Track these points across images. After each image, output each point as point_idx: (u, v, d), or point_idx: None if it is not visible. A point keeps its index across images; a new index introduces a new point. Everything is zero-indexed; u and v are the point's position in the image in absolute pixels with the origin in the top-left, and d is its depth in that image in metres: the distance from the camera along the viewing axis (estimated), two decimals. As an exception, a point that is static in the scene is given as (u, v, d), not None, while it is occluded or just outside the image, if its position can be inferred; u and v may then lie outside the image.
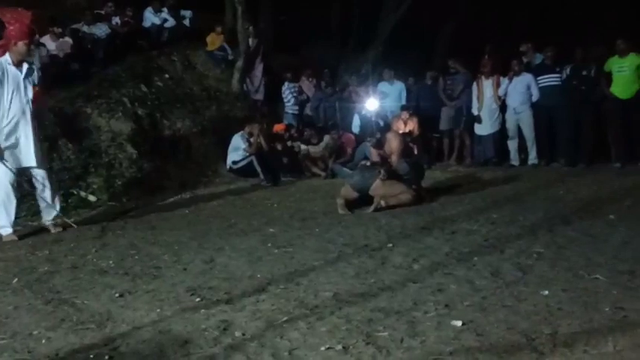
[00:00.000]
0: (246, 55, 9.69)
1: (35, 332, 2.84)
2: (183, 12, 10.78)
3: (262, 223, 5.32)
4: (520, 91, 8.09)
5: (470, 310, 2.83)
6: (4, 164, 4.99)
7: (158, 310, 3.06)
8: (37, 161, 5.12)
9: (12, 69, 5.02)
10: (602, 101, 7.70)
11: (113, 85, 8.44)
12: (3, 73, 4.96)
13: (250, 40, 9.87)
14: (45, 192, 5.25)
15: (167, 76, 9.46)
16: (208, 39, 10.38)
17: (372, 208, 5.65)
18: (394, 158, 5.92)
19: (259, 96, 10.03)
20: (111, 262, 4.12)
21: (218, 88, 9.79)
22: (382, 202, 5.67)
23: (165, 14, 10.33)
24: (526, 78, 8.11)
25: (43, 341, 2.73)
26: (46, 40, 8.47)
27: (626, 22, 11.30)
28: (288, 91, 9.87)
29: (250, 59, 9.87)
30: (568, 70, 7.91)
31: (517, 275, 3.36)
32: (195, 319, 2.90)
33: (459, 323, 2.66)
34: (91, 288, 3.53)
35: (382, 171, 5.68)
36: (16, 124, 5.03)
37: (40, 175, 5.23)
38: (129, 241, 4.79)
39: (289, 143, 8.84)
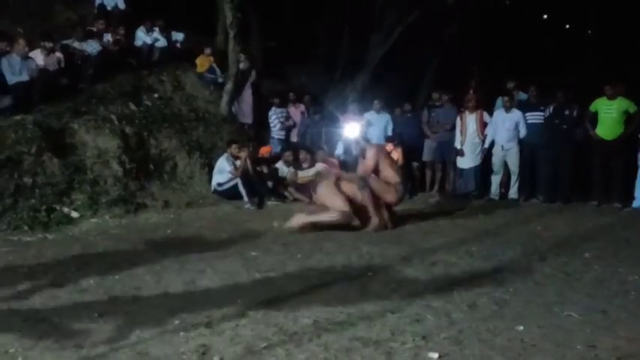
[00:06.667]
0: (236, 79, 9.79)
1: (12, 350, 2.82)
2: (175, 35, 10.86)
3: (245, 246, 5.33)
4: (509, 128, 8.23)
5: (446, 343, 2.89)
6: None
7: (137, 332, 3.06)
8: None
9: None
10: (583, 140, 7.89)
11: (101, 102, 8.44)
12: None
13: (241, 64, 9.98)
14: None
15: (156, 95, 9.48)
16: (198, 61, 10.46)
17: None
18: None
19: (248, 119, 10.10)
20: (91, 281, 4.10)
21: (206, 109, 9.83)
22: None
23: (156, 34, 10.40)
24: (515, 115, 8.27)
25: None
26: (36, 54, 8.45)
27: (605, 61, 11.72)
28: (274, 116, 9.96)
29: (240, 83, 9.96)
30: (551, 109, 8.11)
31: (493, 309, 3.43)
32: (174, 342, 2.91)
33: (435, 356, 2.71)
34: (70, 307, 3.51)
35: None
36: None
37: None
38: (110, 260, 4.77)
39: (277, 165, 8.86)
